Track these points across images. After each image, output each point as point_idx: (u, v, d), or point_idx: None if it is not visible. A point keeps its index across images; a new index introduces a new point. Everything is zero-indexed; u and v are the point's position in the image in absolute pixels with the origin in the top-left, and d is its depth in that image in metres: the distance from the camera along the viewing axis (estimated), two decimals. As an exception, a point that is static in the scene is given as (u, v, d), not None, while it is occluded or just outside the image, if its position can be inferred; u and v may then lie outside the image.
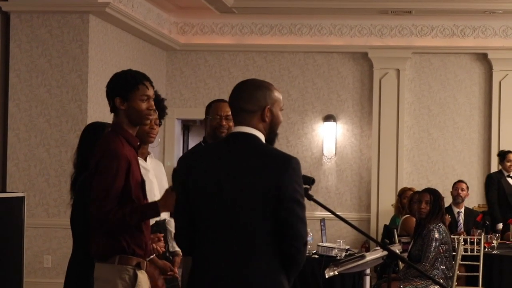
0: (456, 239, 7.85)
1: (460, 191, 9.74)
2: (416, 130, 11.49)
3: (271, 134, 3.28)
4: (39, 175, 9.02)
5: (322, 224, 8.24)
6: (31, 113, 9.01)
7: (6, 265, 7.53)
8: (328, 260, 7.17)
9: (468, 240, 8.13)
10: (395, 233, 8.47)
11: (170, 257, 4.93)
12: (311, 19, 11.33)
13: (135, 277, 3.84)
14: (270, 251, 3.14)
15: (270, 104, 3.25)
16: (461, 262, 7.94)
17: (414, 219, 7.97)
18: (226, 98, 5.24)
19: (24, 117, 9.02)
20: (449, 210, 9.58)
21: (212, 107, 5.20)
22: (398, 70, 11.36)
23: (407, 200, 9.27)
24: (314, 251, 7.75)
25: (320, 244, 7.81)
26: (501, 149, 10.75)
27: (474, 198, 11.14)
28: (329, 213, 3.66)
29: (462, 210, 9.80)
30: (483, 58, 11.40)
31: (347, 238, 10.50)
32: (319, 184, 11.33)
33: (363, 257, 4.71)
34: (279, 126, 3.32)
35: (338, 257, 7.40)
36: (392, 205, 10.44)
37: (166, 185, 5.01)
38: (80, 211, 4.17)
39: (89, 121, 7.67)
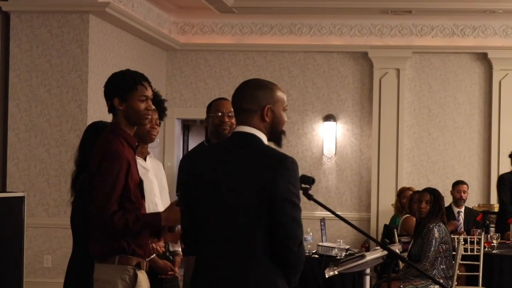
0: (456, 238, 7.85)
1: (462, 194, 9.77)
2: (416, 130, 11.49)
3: (275, 134, 3.26)
4: (39, 175, 9.02)
5: (322, 224, 8.24)
6: (31, 113, 9.01)
7: (6, 265, 7.53)
8: (328, 260, 7.16)
9: (468, 239, 8.13)
10: (395, 232, 8.47)
11: (170, 257, 4.92)
12: (311, 19, 11.32)
13: (135, 277, 3.83)
14: (269, 252, 3.13)
15: (271, 103, 3.23)
16: (461, 262, 7.93)
17: (414, 219, 7.98)
18: (226, 97, 5.23)
19: (24, 117, 9.02)
20: (449, 209, 9.58)
21: (214, 105, 5.20)
22: (398, 70, 11.35)
23: (406, 200, 9.27)
24: (314, 251, 7.74)
25: (320, 244, 7.80)
26: (501, 148, 10.73)
27: (474, 198, 11.13)
28: (329, 212, 3.65)
29: (462, 210, 9.82)
30: (483, 58, 11.39)
31: (347, 238, 10.49)
32: (319, 184, 11.32)
33: (363, 256, 4.70)
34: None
35: (338, 257, 7.39)
36: (392, 205, 10.44)
37: (165, 185, 5.02)
38: (80, 211, 4.17)
39: (89, 121, 7.69)
